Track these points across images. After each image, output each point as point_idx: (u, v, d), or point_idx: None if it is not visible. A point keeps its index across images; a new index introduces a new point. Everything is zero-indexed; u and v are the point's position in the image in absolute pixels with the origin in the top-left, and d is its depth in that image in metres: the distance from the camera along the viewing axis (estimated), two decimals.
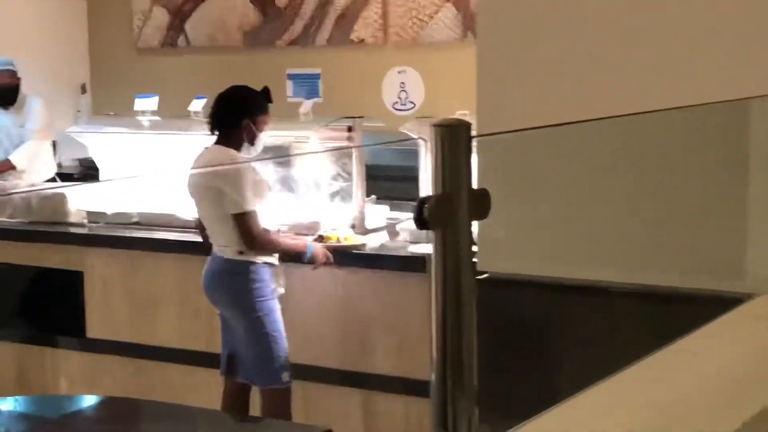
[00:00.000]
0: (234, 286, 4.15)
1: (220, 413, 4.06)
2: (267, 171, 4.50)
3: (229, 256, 4.14)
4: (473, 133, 1.34)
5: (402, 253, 4.47)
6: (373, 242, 4.75)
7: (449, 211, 1.32)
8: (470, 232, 1.35)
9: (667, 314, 2.74)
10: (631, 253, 2.89)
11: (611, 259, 2.93)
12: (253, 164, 4.23)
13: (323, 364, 4.57)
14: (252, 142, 4.26)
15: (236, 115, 4.22)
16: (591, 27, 2.02)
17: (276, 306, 4.18)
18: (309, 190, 5.04)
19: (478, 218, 1.37)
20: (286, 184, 5.07)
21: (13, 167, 6.39)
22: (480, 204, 1.37)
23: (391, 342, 4.41)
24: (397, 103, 6.52)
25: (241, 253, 4.13)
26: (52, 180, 6.60)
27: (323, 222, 4.80)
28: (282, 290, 4.23)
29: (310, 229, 4.78)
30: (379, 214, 5.13)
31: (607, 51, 2.08)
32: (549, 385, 2.89)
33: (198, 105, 5.28)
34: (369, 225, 4.97)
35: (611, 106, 2.01)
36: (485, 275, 3.20)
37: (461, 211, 1.33)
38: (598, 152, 2.87)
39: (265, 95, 4.38)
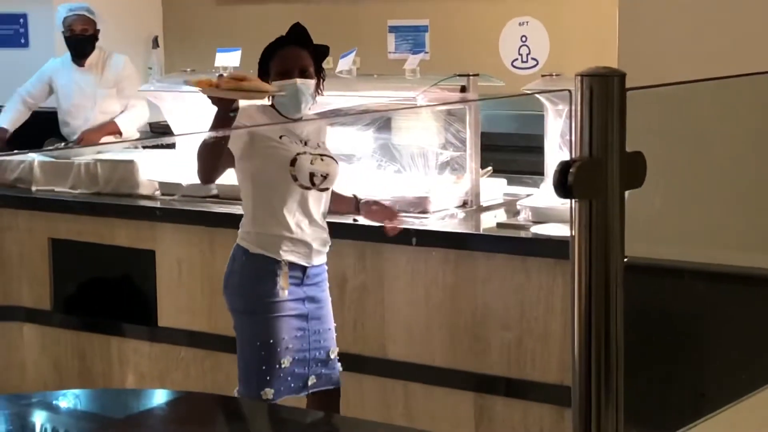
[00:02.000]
0: (226, 274, 4.18)
1: (307, 412, 4.10)
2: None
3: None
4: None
5: (523, 234, 4.44)
6: (489, 221, 4.73)
7: (597, 178, 1.30)
8: (622, 203, 1.33)
9: None
10: None
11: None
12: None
13: (428, 362, 4.57)
14: (279, 102, 4.13)
15: (259, 75, 4.16)
16: None
17: (271, 308, 4.04)
18: (414, 161, 5.04)
19: (631, 186, 1.35)
20: (388, 152, 5.07)
21: (118, 131, 6.49)
22: (634, 170, 1.35)
23: (508, 338, 4.39)
24: (517, 60, 6.48)
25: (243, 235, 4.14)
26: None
27: (432, 197, 4.79)
28: (285, 291, 4.04)
29: (417, 205, 4.78)
30: (496, 189, 5.11)
31: None
32: (700, 390, 2.84)
33: (344, 63, 5.25)
34: (484, 201, 4.95)
35: None
36: (624, 260, 3.17)
37: (612, 178, 1.31)
38: (754, 114, 2.81)
39: (288, 34, 4.14)
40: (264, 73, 4.11)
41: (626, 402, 3.01)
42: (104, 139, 6.46)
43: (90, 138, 6.43)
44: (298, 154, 4.04)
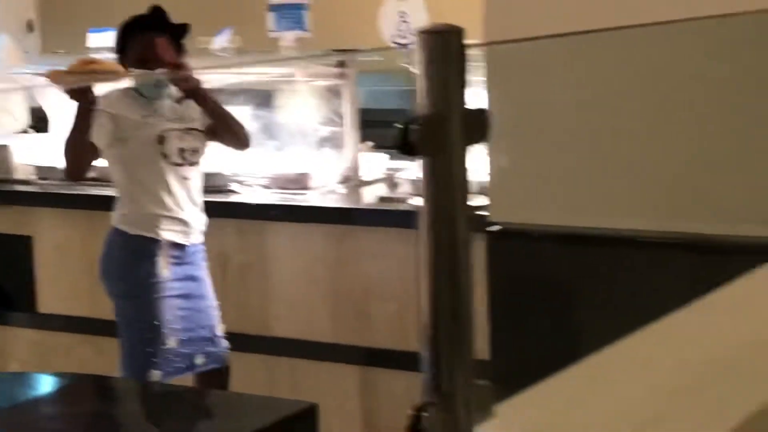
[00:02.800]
0: (102, 259, 4.17)
1: (193, 390, 4.10)
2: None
3: None
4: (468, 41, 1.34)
5: (403, 207, 4.47)
6: (369, 195, 4.76)
7: (439, 134, 1.31)
8: (464, 158, 1.35)
9: (704, 266, 2.74)
10: (665, 196, 2.90)
11: (642, 204, 2.93)
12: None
13: (312, 338, 4.59)
14: (141, 85, 4.11)
15: (117, 53, 4.16)
16: None
17: (153, 290, 4.02)
18: (294, 138, 5.04)
19: (475, 142, 1.36)
20: (267, 130, 5.06)
21: None
22: (477, 126, 1.37)
23: (390, 311, 4.43)
24: (396, 36, 6.50)
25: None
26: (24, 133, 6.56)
27: (312, 173, 4.80)
28: (166, 271, 4.03)
29: (297, 182, 4.78)
30: (376, 163, 5.14)
31: None
32: (570, 345, 2.91)
33: (220, 41, 5.21)
34: (365, 176, 4.98)
35: (649, 12, 2.01)
36: (497, 227, 3.21)
37: (453, 134, 1.32)
38: (626, 72, 2.86)
39: (147, 17, 4.12)
40: (121, 53, 4.09)
41: (501, 357, 3.06)
42: None
43: None
44: (164, 131, 4.02)
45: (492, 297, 3.13)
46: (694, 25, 2.14)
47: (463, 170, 1.36)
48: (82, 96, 3.90)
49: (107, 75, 3.90)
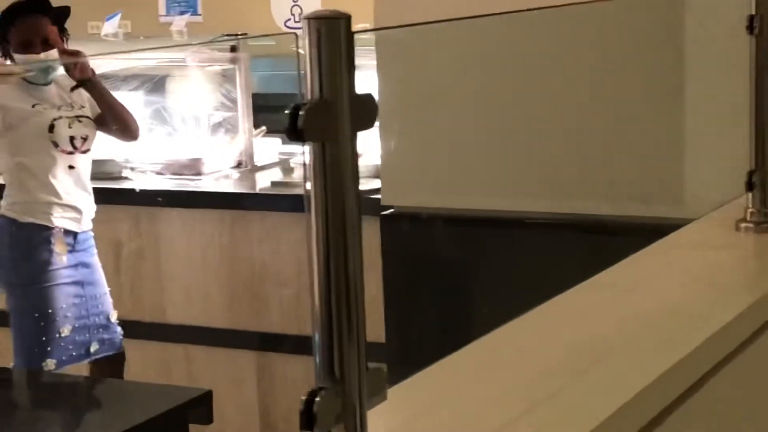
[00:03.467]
0: None
1: (86, 378, 4.05)
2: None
3: None
4: (356, 28, 1.34)
5: (297, 191, 4.46)
6: (264, 180, 4.74)
7: (328, 120, 1.31)
8: (353, 144, 1.35)
9: (594, 246, 2.79)
10: (554, 178, 2.94)
11: (531, 185, 2.97)
12: None
13: (207, 324, 4.57)
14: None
15: None
16: None
17: (47, 278, 3.96)
18: (186, 123, 5.00)
19: (363, 128, 1.37)
20: (159, 116, 5.01)
21: None
22: (365, 111, 1.37)
23: (286, 295, 4.42)
24: (289, 20, 6.50)
25: None
26: None
27: (205, 159, 4.77)
28: (62, 258, 3.97)
29: (190, 168, 4.75)
30: (270, 148, 5.12)
31: None
32: (464, 327, 2.94)
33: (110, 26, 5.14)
34: (259, 161, 4.96)
35: None
36: (390, 210, 3.22)
37: (342, 119, 1.32)
38: (512, 56, 2.90)
39: (27, 2, 4.03)
40: (3, 40, 4.02)
41: (395, 340, 3.08)
42: None
43: None
44: (54, 119, 3.96)
45: (386, 280, 3.15)
46: (579, 8, 2.17)
47: (353, 156, 1.37)
48: None
49: (4, 77, 3.83)
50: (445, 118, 3.01)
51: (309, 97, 1.32)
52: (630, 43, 2.80)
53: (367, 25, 4.52)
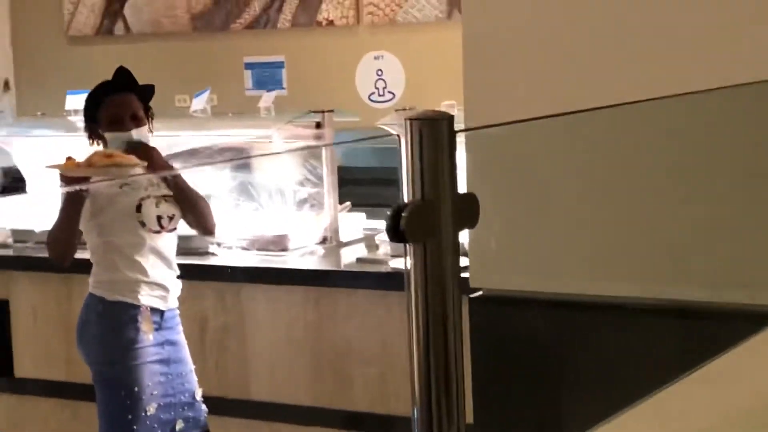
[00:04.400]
0: (79, 326, 4.13)
1: None
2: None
3: None
4: (458, 127, 1.33)
5: (383, 269, 4.45)
6: (349, 256, 4.74)
7: (430, 221, 1.30)
8: (456, 245, 1.33)
9: (692, 334, 2.73)
10: (648, 263, 2.89)
11: (624, 270, 2.92)
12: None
13: (291, 401, 4.55)
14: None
15: (86, 121, 4.16)
16: (592, 2, 2.02)
17: (133, 356, 3.98)
18: (272, 198, 5.02)
19: (464, 228, 1.35)
20: (245, 191, 5.05)
21: None
22: (467, 211, 1.35)
23: (371, 374, 4.39)
24: (373, 93, 6.50)
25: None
26: None
27: (291, 235, 4.78)
28: (149, 336, 3.98)
29: (276, 244, 4.76)
30: (355, 223, 5.12)
31: (613, 29, 2.08)
32: (554, 416, 2.88)
33: (198, 102, 5.20)
34: (344, 237, 4.96)
35: (621, 93, 2.01)
36: (479, 293, 3.19)
37: (444, 221, 1.31)
38: (605, 148, 2.87)
39: (113, 80, 4.12)
40: (91, 120, 4.08)
41: (476, 426, 3.03)
42: None
43: None
44: (141, 199, 4.00)
45: (474, 362, 3.11)
46: (676, 99, 2.14)
47: (455, 256, 1.35)
48: (77, 182, 3.90)
49: (127, 168, 3.87)
50: (538, 200, 2.98)
51: (411, 197, 1.31)
52: (731, 128, 2.76)
53: (454, 103, 4.53)
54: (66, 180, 3.95)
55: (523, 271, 3.08)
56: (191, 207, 4.11)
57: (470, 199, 1.35)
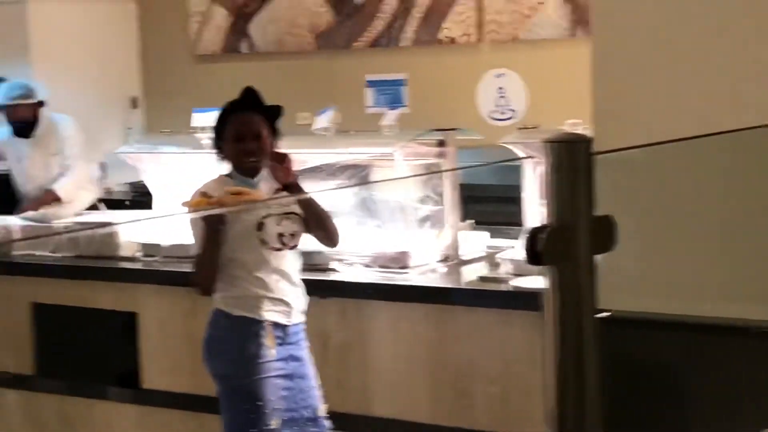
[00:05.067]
0: (205, 340, 4.19)
1: None
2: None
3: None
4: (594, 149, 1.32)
5: (504, 287, 4.44)
6: (470, 275, 4.73)
7: (567, 244, 1.30)
8: (593, 268, 1.32)
9: None
10: None
11: (758, 293, 2.87)
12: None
13: (412, 418, 4.55)
14: (237, 168, 4.15)
15: (214, 139, 4.23)
16: (731, 13, 1.99)
17: (257, 370, 4.03)
18: (394, 216, 5.04)
19: (601, 251, 1.35)
20: (366, 208, 5.07)
21: (57, 199, 6.48)
22: (603, 234, 1.35)
23: (492, 392, 4.37)
24: (495, 111, 6.50)
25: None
26: (94, 207, 6.69)
27: (412, 252, 4.79)
28: (272, 351, 4.04)
29: (397, 261, 4.77)
30: (476, 241, 5.11)
31: (753, 44, 2.04)
32: None
33: (322, 120, 5.27)
34: (465, 255, 4.95)
35: (763, 113, 1.98)
36: (607, 314, 3.16)
37: (581, 244, 1.31)
38: (737, 171, 2.83)
39: (241, 99, 4.20)
40: (219, 138, 4.15)
41: None
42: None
43: (28, 210, 6.36)
44: (263, 217, 4.06)
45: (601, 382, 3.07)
46: None
47: (591, 279, 1.34)
48: (213, 220, 3.98)
49: (255, 204, 3.97)
50: (668, 222, 2.95)
51: (548, 220, 1.31)
52: None
53: (580, 122, 4.50)
54: (201, 219, 4.02)
55: (651, 293, 3.04)
56: (317, 219, 4.16)
57: (607, 222, 1.34)
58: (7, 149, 6.66)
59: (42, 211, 6.18)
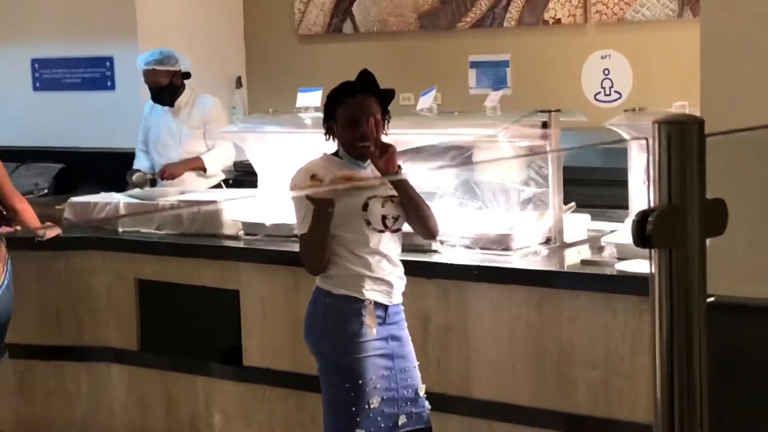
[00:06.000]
0: (307, 318, 4.21)
1: None
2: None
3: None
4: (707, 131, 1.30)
5: (608, 271, 4.40)
6: (573, 258, 4.69)
7: (677, 227, 1.28)
8: (703, 252, 1.31)
9: None
10: None
11: None
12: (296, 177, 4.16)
13: (512, 401, 4.54)
14: (347, 151, 4.14)
15: (325, 119, 4.23)
16: None
17: (358, 349, 4.05)
18: (496, 198, 5.02)
19: (712, 234, 1.33)
20: (469, 190, 5.06)
21: (204, 168, 6.63)
22: (714, 217, 1.33)
23: (594, 377, 4.34)
24: (600, 93, 6.45)
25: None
26: (218, 186, 6.80)
27: (514, 234, 4.77)
28: (372, 330, 4.05)
29: (499, 243, 4.76)
30: (579, 224, 5.07)
31: None
32: None
33: (425, 101, 5.27)
34: (568, 238, 4.91)
35: None
36: (711, 299, 3.12)
37: (692, 227, 1.29)
38: None
39: (356, 82, 4.17)
40: (329, 118, 4.16)
41: None
42: (187, 174, 6.58)
43: (172, 171, 6.56)
44: (369, 198, 4.07)
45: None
46: None
47: (701, 262, 1.32)
48: (325, 202, 4.00)
49: (360, 183, 4.00)
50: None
51: (658, 202, 1.30)
52: None
53: (686, 104, 4.44)
54: (311, 200, 4.04)
55: (757, 279, 2.99)
56: (416, 211, 4.16)
57: (718, 205, 1.32)
58: (150, 115, 6.82)
59: (148, 189, 6.33)
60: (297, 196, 4.12)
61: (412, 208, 4.16)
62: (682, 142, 1.28)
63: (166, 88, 6.63)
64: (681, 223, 1.28)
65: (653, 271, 1.30)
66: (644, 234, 1.27)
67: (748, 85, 2.66)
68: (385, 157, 4.08)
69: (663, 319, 1.30)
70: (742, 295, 3.00)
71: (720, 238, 2.95)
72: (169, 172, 6.55)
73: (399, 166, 4.15)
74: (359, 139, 4.10)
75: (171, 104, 6.68)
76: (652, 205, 1.29)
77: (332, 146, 4.22)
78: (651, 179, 1.30)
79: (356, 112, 4.10)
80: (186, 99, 6.71)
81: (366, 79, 4.16)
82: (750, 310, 2.97)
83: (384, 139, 4.15)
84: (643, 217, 1.27)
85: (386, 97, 4.19)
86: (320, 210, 4.03)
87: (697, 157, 1.28)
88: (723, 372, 3.05)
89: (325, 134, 4.21)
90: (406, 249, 4.29)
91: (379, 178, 4.14)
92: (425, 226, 4.22)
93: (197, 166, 6.63)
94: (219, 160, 6.68)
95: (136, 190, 6.36)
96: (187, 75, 6.69)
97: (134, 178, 6.53)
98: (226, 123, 6.75)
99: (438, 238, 4.71)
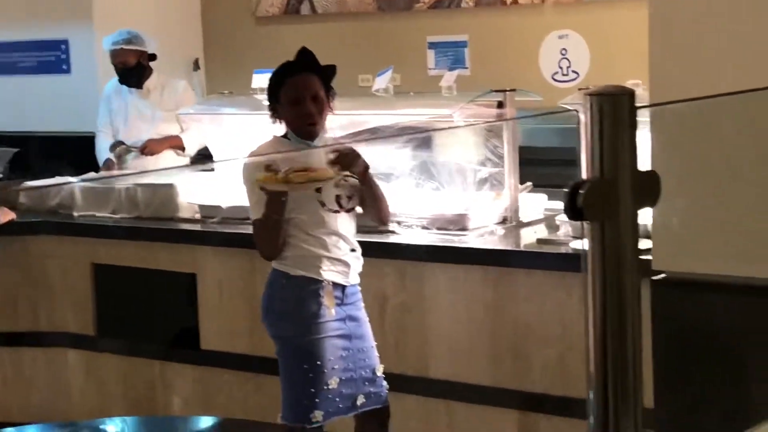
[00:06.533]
0: (264, 300, 4.20)
1: None
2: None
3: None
4: (639, 103, 1.31)
5: (563, 249, 4.41)
6: (529, 237, 4.71)
7: (609, 198, 1.28)
8: (635, 223, 1.31)
9: None
10: None
11: None
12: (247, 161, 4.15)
13: (469, 381, 4.55)
14: (294, 131, 4.14)
15: (269, 101, 4.22)
16: None
17: (316, 330, 4.06)
18: (452, 178, 5.02)
19: (644, 206, 1.33)
20: (426, 170, 5.06)
21: (181, 146, 6.61)
22: (648, 189, 1.33)
23: (549, 355, 4.36)
24: (557, 73, 6.46)
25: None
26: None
27: (471, 214, 4.78)
28: (330, 311, 4.06)
29: (456, 223, 4.77)
30: (535, 204, 5.08)
31: None
32: (738, 404, 2.81)
33: (381, 81, 5.24)
34: (524, 217, 4.93)
35: None
36: (662, 275, 3.13)
37: (623, 198, 1.29)
38: None
39: (296, 61, 4.16)
40: (274, 100, 4.15)
41: (663, 414, 2.98)
42: (165, 153, 6.58)
43: (153, 147, 6.56)
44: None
45: (655, 345, 3.06)
46: None
47: (633, 234, 1.33)
48: (278, 192, 3.99)
49: (323, 181, 3.97)
50: (727, 180, 2.91)
51: (589, 175, 1.30)
52: None
53: (639, 82, 4.45)
54: (264, 191, 4.02)
55: (709, 255, 3.01)
56: (374, 202, 4.17)
57: (651, 177, 1.33)
58: (114, 97, 6.77)
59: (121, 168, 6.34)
60: (249, 181, 4.11)
61: (371, 198, 4.16)
62: (614, 114, 1.28)
63: (134, 68, 6.60)
64: (613, 195, 1.29)
65: (585, 243, 1.31)
66: (576, 206, 1.27)
67: (694, 61, 2.67)
68: (357, 165, 4.06)
69: (596, 292, 1.30)
70: (693, 271, 3.02)
71: (670, 213, 2.96)
72: (150, 148, 6.55)
73: (366, 167, 4.13)
74: (305, 117, 4.09)
75: (139, 86, 6.65)
76: (584, 177, 1.29)
77: (283, 128, 4.21)
78: (583, 151, 1.30)
79: (299, 92, 4.09)
80: (155, 82, 6.70)
81: (306, 57, 4.15)
82: (700, 286, 2.99)
83: (338, 118, 4.15)
84: (574, 190, 1.27)
85: (327, 74, 4.18)
86: (273, 198, 4.02)
87: (628, 129, 1.28)
88: (673, 346, 3.07)
89: (271, 116, 4.20)
90: (363, 230, 4.29)
91: (341, 176, 4.10)
92: (380, 216, 4.24)
93: (177, 144, 6.63)
94: (195, 141, 6.66)
95: (92, 174, 6.33)
96: (153, 57, 6.67)
97: (117, 150, 6.54)
98: (194, 104, 6.73)
99: (395, 218, 4.72)
